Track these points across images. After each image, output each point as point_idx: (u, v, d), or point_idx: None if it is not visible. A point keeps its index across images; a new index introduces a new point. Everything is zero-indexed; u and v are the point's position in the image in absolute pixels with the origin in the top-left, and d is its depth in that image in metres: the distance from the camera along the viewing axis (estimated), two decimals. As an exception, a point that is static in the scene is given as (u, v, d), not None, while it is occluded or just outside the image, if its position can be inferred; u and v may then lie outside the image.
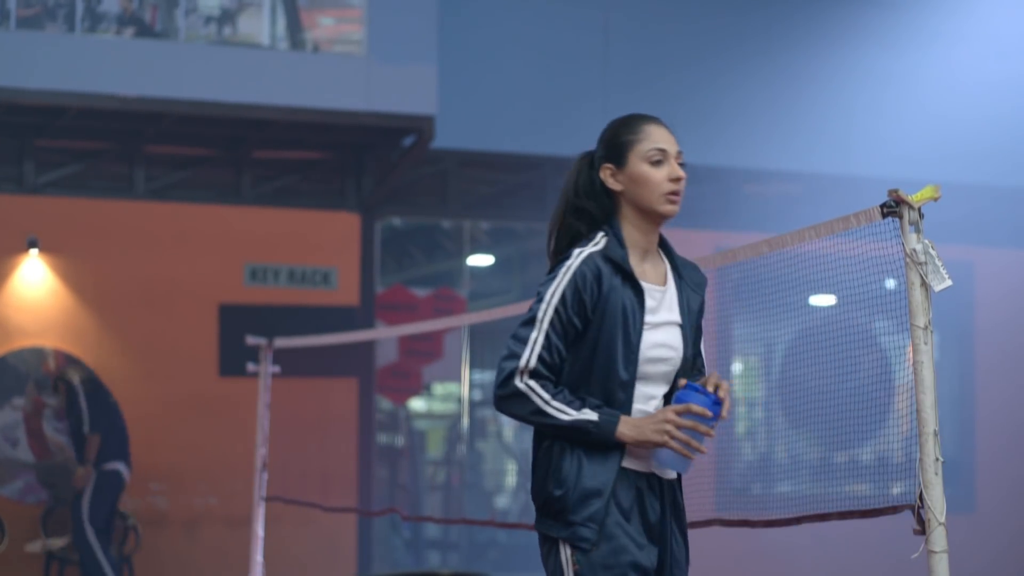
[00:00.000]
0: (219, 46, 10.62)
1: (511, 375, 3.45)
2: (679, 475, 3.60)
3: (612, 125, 3.66)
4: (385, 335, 11.56)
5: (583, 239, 3.57)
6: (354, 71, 10.79)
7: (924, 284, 3.75)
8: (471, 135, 11.73)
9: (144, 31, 10.48)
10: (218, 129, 11.08)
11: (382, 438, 12.75)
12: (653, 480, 3.52)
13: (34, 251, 10.89)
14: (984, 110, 12.78)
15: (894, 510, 4.05)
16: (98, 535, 10.05)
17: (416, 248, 13.99)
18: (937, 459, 3.73)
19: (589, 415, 3.41)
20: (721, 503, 10.81)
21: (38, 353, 10.93)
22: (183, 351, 11.18)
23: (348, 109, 10.76)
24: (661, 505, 3.54)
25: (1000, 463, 13.01)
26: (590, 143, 3.72)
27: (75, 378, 10.28)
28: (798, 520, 4.68)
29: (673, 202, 3.58)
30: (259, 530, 8.84)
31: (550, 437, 3.48)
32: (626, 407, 3.47)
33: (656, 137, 3.58)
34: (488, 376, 12.83)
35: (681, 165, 3.61)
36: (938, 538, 3.70)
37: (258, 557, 8.82)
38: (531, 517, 3.64)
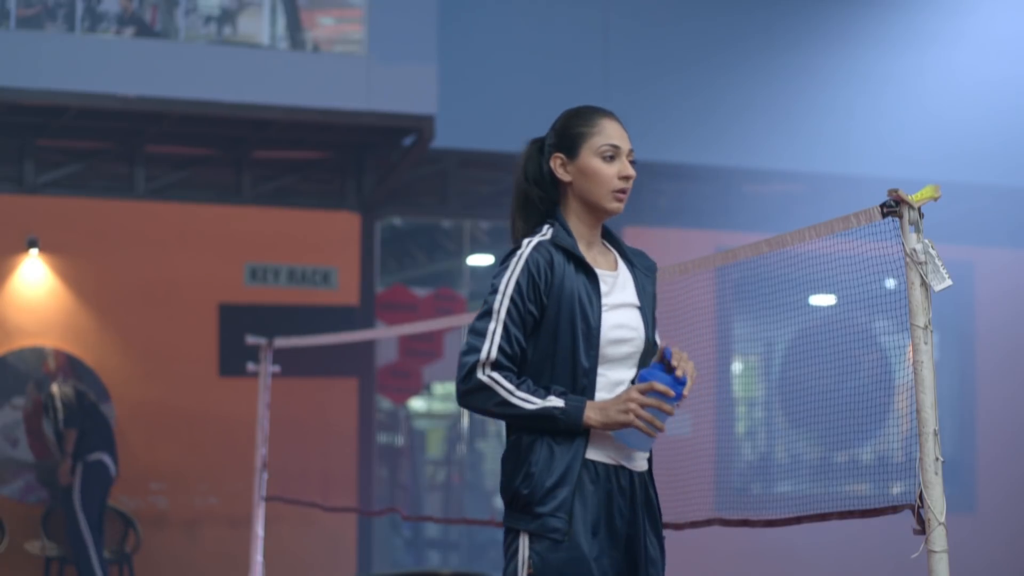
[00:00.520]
0: (219, 46, 10.62)
1: (473, 369, 3.44)
2: (650, 469, 3.59)
3: (566, 115, 3.66)
4: (385, 335, 11.56)
5: (535, 227, 3.58)
6: (354, 71, 10.80)
7: (924, 284, 3.75)
8: (471, 135, 11.72)
9: (144, 31, 10.48)
10: (218, 129, 11.08)
11: (382, 438, 12.76)
12: (624, 476, 3.51)
13: (34, 251, 10.89)
14: (984, 110, 12.78)
15: (894, 510, 4.05)
16: (95, 530, 10.07)
17: (416, 248, 14.00)
18: (937, 459, 3.73)
19: (555, 402, 3.41)
20: (721, 503, 10.81)
21: (38, 353, 10.93)
22: (183, 351, 11.18)
23: (348, 109, 10.76)
24: (632, 506, 3.52)
25: (1000, 463, 13.01)
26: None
27: (54, 388, 10.44)
28: (798, 520, 4.68)
29: (620, 200, 3.58)
30: (259, 530, 8.84)
31: (517, 429, 3.47)
32: (589, 393, 3.47)
33: (610, 132, 3.58)
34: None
35: (632, 163, 3.60)
36: (938, 538, 3.70)
37: (258, 557, 8.82)
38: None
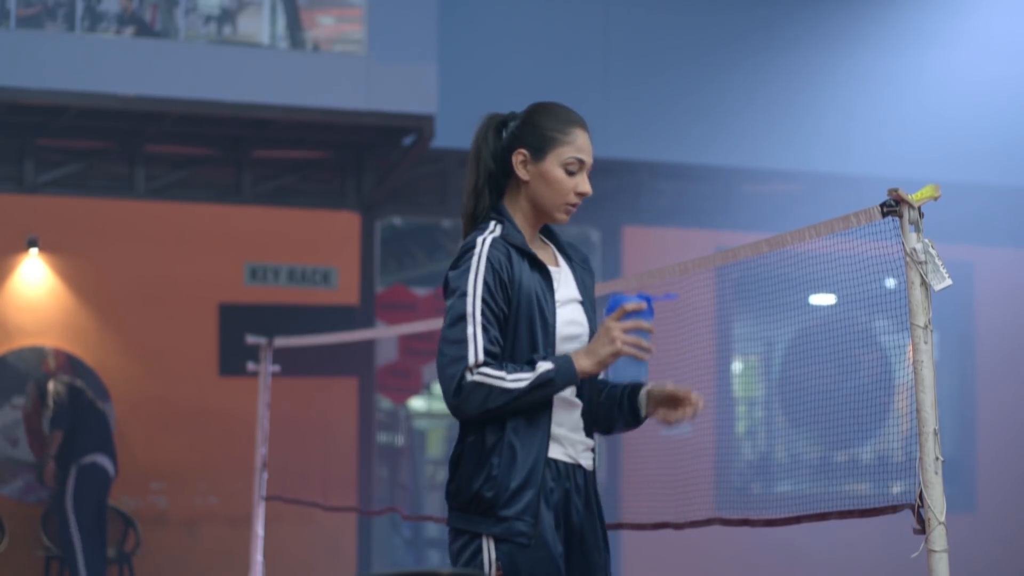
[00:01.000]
0: (219, 45, 10.62)
1: (462, 377, 3.39)
2: (595, 468, 3.60)
3: (541, 111, 3.60)
4: (385, 335, 11.56)
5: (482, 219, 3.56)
6: (354, 71, 10.80)
7: (924, 283, 3.75)
8: (471, 134, 11.71)
9: (144, 30, 10.48)
10: (218, 129, 11.08)
11: (382, 437, 12.76)
12: (579, 474, 3.53)
13: (34, 251, 10.89)
14: (984, 110, 12.78)
15: (894, 509, 4.05)
16: (87, 533, 10.04)
17: (416, 247, 14.01)
18: (937, 458, 3.73)
19: (545, 367, 3.39)
20: (721, 502, 10.81)
21: (38, 353, 10.93)
22: (183, 351, 11.18)
23: (348, 108, 10.76)
24: (586, 503, 3.56)
25: (1000, 463, 13.01)
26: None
27: (49, 385, 10.42)
28: (798, 519, 4.68)
29: (569, 213, 3.58)
30: (259, 530, 8.84)
31: (477, 429, 3.44)
32: None
33: (581, 145, 3.55)
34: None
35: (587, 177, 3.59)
36: (938, 538, 3.70)
37: (258, 557, 8.82)
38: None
